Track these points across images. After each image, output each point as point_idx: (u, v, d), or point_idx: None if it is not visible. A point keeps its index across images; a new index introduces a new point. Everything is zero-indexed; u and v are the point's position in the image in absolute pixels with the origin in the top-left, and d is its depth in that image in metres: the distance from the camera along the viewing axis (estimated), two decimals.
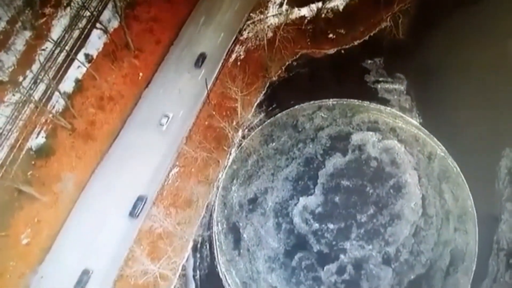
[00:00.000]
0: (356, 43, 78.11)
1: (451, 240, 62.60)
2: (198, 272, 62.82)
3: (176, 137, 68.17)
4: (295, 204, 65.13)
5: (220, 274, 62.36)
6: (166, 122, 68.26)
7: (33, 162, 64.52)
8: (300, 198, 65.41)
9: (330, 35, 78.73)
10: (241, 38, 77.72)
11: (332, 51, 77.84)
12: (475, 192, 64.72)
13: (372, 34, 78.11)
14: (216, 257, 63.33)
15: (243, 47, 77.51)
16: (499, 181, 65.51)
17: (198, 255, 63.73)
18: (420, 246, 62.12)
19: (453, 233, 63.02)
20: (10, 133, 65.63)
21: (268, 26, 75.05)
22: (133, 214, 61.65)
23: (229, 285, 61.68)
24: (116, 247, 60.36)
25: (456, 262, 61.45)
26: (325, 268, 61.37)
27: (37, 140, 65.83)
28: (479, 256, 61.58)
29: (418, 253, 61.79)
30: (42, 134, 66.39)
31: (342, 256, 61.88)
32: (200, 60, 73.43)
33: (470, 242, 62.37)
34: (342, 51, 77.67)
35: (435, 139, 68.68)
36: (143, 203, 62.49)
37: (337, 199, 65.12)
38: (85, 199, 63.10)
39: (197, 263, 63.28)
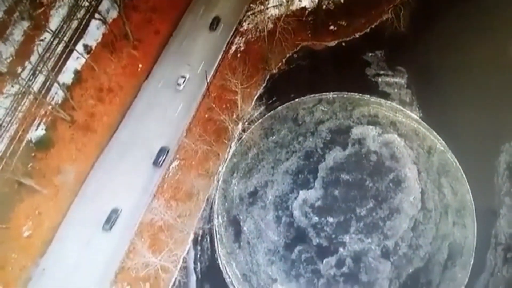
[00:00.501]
0: (357, 35, 77.34)
1: (450, 234, 63.08)
2: (199, 264, 63.28)
3: (177, 128, 67.98)
4: (295, 198, 65.38)
5: (221, 266, 62.89)
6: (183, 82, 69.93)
7: (33, 154, 64.51)
8: (300, 192, 65.65)
9: (331, 27, 78.02)
10: (241, 29, 76.91)
11: (333, 43, 77.18)
12: (474, 187, 64.98)
13: (373, 26, 77.25)
14: (216, 249, 63.80)
15: (243, 39, 76.74)
16: (498, 176, 65.72)
17: (199, 248, 64.13)
18: (419, 240, 62.62)
19: (452, 227, 63.47)
20: (9, 125, 65.47)
21: (268, 17, 74.09)
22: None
23: (229, 277, 62.25)
24: (116, 239, 60.82)
25: (454, 256, 61.99)
26: (324, 261, 61.91)
27: (36, 132, 65.63)
28: (477, 250, 62.05)
29: (417, 247, 62.31)
30: (42, 126, 66.19)
31: (341, 249, 62.40)
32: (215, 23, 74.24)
33: (468, 236, 62.85)
34: (343, 44, 76.98)
35: (435, 133, 68.67)
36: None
37: (336, 192, 65.35)
38: (86, 191, 63.14)
39: (198, 256, 63.72)
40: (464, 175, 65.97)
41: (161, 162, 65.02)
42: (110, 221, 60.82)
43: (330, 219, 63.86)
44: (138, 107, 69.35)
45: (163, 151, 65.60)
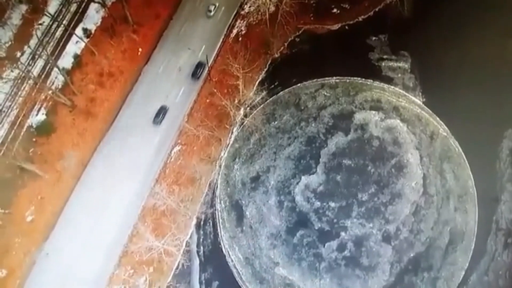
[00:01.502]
0: (360, 18, 75.84)
1: (451, 220, 63.42)
2: (202, 248, 64.09)
3: (179, 114, 67.68)
4: (297, 183, 65.53)
5: (224, 250, 63.56)
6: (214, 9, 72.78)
7: (34, 140, 64.35)
8: (302, 177, 65.72)
9: (334, 10, 76.64)
10: (243, 12, 75.47)
11: (335, 27, 75.82)
12: (476, 172, 65.00)
13: (377, 9, 75.63)
14: (219, 233, 64.37)
15: (245, 22, 75.41)
16: (500, 162, 65.64)
17: (202, 232, 64.85)
18: (420, 224, 63.01)
19: (453, 213, 63.74)
20: (10, 110, 65.07)
21: (270, 0, 72.86)
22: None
23: (232, 260, 62.99)
24: (120, 224, 61.02)
25: (455, 241, 62.46)
26: (326, 245, 62.56)
27: (37, 117, 65.32)
28: (478, 236, 62.53)
29: (418, 232, 62.76)
30: (42, 111, 65.82)
31: (342, 233, 62.92)
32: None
33: (469, 221, 63.20)
34: (346, 27, 75.64)
35: (438, 118, 68.31)
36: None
37: (338, 178, 65.45)
38: (88, 175, 63.29)
39: (201, 240, 64.49)
40: (466, 161, 65.89)
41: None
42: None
43: (332, 204, 64.15)
44: (139, 92, 68.79)
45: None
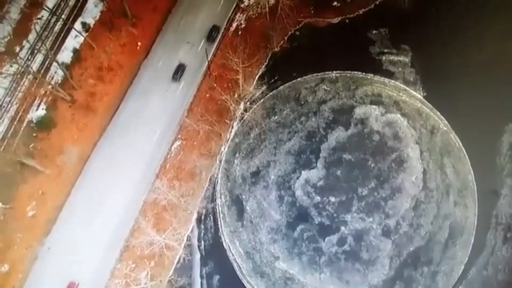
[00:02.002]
0: (361, 12, 75.13)
1: (451, 214, 63.64)
2: (203, 242, 64.40)
3: (179, 109, 67.59)
4: (297, 178, 65.63)
5: (224, 245, 63.88)
6: None
7: (34, 135, 64.26)
8: (302, 172, 65.80)
9: (335, 3, 76.07)
10: (242, 5, 74.89)
11: (336, 20, 75.23)
12: (476, 167, 65.10)
13: (377, 2, 74.90)
14: (220, 228, 64.67)
15: (244, 15, 74.83)
16: (501, 157, 65.68)
17: (203, 226, 65.13)
18: (420, 219, 63.24)
19: (453, 207, 63.94)
20: (9, 105, 64.97)
21: None
22: None
23: (233, 255, 63.39)
24: (121, 219, 61.39)
25: (455, 235, 62.74)
26: (326, 239, 62.87)
27: (37, 112, 65.13)
28: (477, 230, 62.84)
29: (418, 226, 63.03)
30: (42, 106, 65.61)
31: (343, 228, 63.20)
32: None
33: (469, 216, 63.48)
34: (347, 20, 75.03)
35: (438, 113, 68.16)
36: None
37: (338, 172, 65.52)
38: (88, 170, 63.33)
39: (202, 234, 64.79)
40: (466, 156, 65.94)
41: None
42: None
43: (332, 199, 64.34)
44: (138, 86, 68.57)
45: None
